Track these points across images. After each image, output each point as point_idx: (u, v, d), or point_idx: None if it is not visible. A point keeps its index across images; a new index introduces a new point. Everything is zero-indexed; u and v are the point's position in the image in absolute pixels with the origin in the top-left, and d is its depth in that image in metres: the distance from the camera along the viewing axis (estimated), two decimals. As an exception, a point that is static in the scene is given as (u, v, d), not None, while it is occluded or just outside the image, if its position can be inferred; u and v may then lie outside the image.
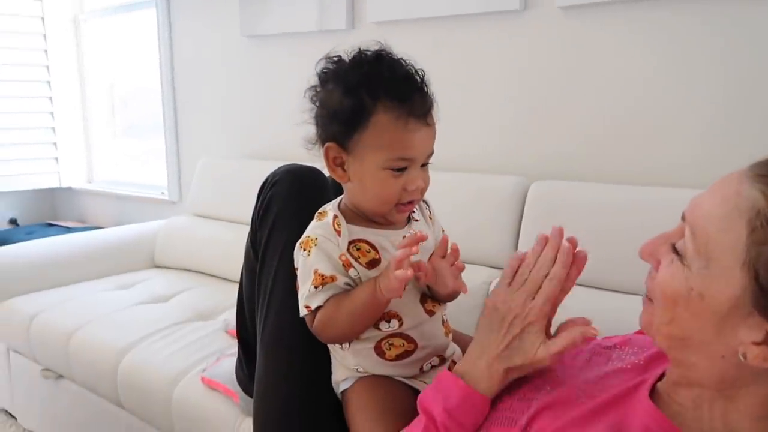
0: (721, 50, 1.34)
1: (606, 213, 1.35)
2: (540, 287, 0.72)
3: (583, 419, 0.64)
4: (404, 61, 0.81)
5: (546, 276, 0.72)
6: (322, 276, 0.81)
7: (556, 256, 0.74)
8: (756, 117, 1.32)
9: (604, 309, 1.28)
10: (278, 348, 0.94)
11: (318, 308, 0.81)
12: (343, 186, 0.87)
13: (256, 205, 1.03)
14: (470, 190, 1.57)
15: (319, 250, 0.82)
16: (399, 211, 0.84)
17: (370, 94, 0.77)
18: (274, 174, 1.02)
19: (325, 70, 0.83)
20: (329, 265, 0.81)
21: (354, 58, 0.81)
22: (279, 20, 2.12)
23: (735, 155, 1.33)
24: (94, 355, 1.57)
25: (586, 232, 1.34)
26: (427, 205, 0.95)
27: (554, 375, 0.74)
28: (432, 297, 0.88)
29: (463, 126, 1.74)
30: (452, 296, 0.88)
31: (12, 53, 2.85)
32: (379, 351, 0.86)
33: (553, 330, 0.75)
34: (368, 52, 0.81)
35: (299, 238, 0.86)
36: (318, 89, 0.83)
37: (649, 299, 0.64)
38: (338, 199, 0.89)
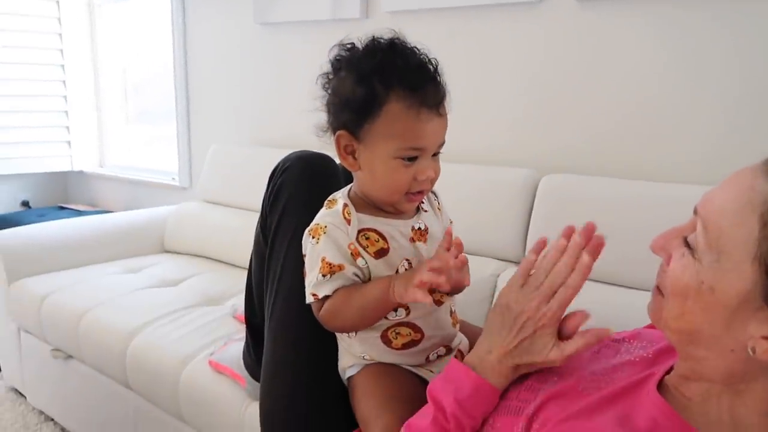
0: (734, 46, 1.33)
1: (616, 208, 1.34)
2: (555, 292, 0.72)
3: (589, 410, 0.65)
4: (418, 49, 0.81)
5: (562, 283, 0.73)
6: (330, 264, 0.81)
7: (574, 265, 0.73)
8: (772, 114, 1.31)
9: (614, 304, 1.28)
10: (286, 333, 0.95)
11: (326, 297, 0.82)
12: (354, 174, 0.86)
13: (267, 190, 1.03)
14: (480, 182, 1.57)
15: (328, 238, 0.81)
16: (409, 200, 0.83)
17: (382, 82, 0.77)
18: (285, 160, 1.02)
19: (338, 57, 0.82)
20: (338, 254, 0.81)
21: (367, 46, 0.81)
22: (292, 8, 2.12)
23: (748, 152, 1.32)
24: (103, 337, 1.59)
25: (597, 227, 1.35)
26: (436, 196, 0.95)
27: (562, 366, 0.74)
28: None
29: (475, 117, 1.73)
30: (456, 289, 0.88)
31: (27, 36, 2.86)
32: (385, 339, 0.86)
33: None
34: (382, 40, 0.80)
35: (309, 225, 0.86)
36: (330, 76, 0.83)
37: (658, 291, 0.64)
38: (348, 187, 0.89)
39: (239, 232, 2.02)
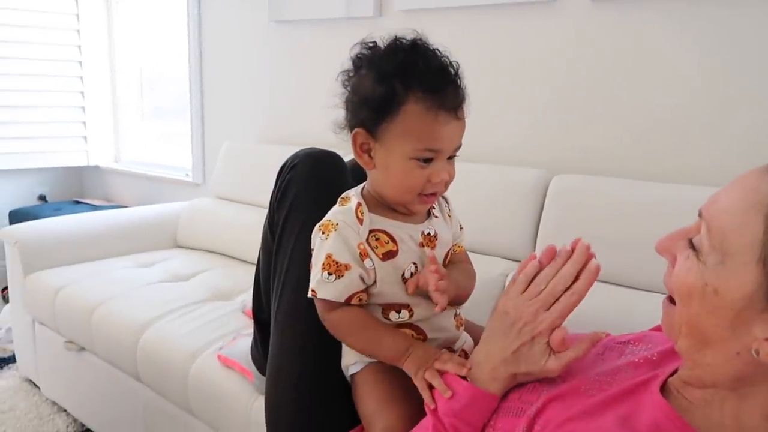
0: (757, 43, 1.31)
1: (627, 209, 1.33)
2: (556, 300, 0.72)
3: (591, 411, 0.64)
4: (440, 51, 0.80)
5: (564, 291, 0.72)
6: (337, 263, 0.80)
7: (578, 273, 0.73)
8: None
9: (624, 306, 1.27)
10: (292, 328, 0.96)
11: (326, 301, 0.81)
12: (368, 172, 0.86)
13: (275, 187, 1.04)
14: (491, 182, 1.57)
15: (338, 236, 0.81)
16: (421, 201, 0.83)
17: (403, 83, 0.77)
18: (293, 157, 1.03)
19: (359, 56, 0.82)
20: (346, 253, 0.81)
21: (389, 45, 0.80)
22: (307, 6, 2.13)
23: (762, 153, 1.31)
24: (115, 330, 1.61)
25: (606, 227, 1.34)
26: (447, 202, 0.95)
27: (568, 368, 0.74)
28: None
29: (486, 117, 1.72)
30: (457, 301, 0.88)
31: (45, 33, 2.91)
32: None
33: None
34: (404, 41, 0.80)
35: (316, 221, 0.86)
36: (351, 74, 0.83)
37: (670, 301, 0.64)
38: (361, 185, 0.89)
39: (251, 229, 2.03)
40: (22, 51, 2.84)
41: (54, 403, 1.99)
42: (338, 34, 2.07)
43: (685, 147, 1.43)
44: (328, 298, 0.81)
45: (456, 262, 0.93)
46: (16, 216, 2.75)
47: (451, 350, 0.91)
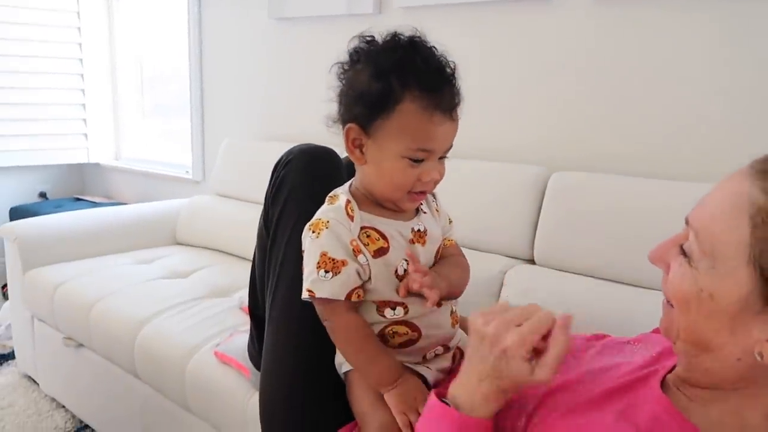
0: (752, 40, 1.31)
1: (626, 206, 1.33)
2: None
3: (589, 405, 0.64)
4: (437, 50, 0.80)
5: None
6: (333, 260, 0.79)
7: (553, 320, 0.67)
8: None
9: (623, 304, 1.27)
10: (286, 325, 0.95)
11: (325, 299, 0.80)
12: (358, 168, 0.86)
13: (270, 183, 1.03)
14: (490, 179, 1.56)
15: (331, 233, 0.80)
16: (411, 199, 0.83)
17: (400, 80, 0.76)
18: (288, 153, 1.02)
19: (357, 49, 0.81)
20: (341, 249, 0.80)
21: (388, 41, 0.80)
22: (306, 3, 2.12)
23: (759, 149, 1.30)
24: (113, 326, 1.61)
25: (605, 224, 1.34)
26: (434, 197, 0.95)
27: (566, 364, 0.74)
28: None
29: (486, 114, 1.72)
30: (450, 295, 0.88)
31: (46, 30, 2.90)
32: (382, 338, 0.85)
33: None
34: (403, 37, 0.79)
35: (311, 217, 0.85)
36: (347, 67, 0.82)
37: (669, 304, 0.64)
38: (349, 183, 0.88)
39: (250, 226, 2.01)
40: (22, 49, 2.84)
41: (53, 400, 1.99)
42: (338, 31, 2.07)
43: (685, 144, 1.42)
44: (326, 296, 0.80)
45: (447, 255, 0.93)
46: (17, 213, 2.76)
47: (447, 348, 0.90)
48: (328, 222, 0.81)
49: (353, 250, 0.80)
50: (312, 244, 0.81)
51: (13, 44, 2.82)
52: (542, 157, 1.61)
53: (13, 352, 2.20)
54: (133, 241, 2.18)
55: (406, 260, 0.83)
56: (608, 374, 0.70)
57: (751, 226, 0.53)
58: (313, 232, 0.82)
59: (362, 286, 0.82)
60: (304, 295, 0.82)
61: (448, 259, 0.92)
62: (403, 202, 0.83)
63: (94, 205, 2.83)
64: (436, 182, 0.82)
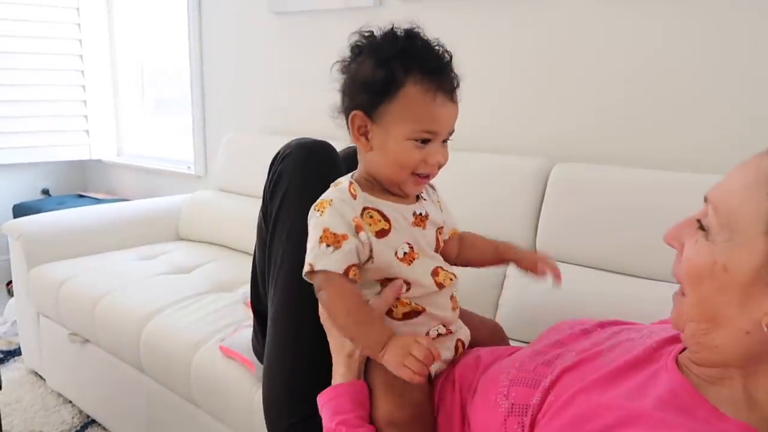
0: (755, 31, 1.30)
1: (629, 197, 1.33)
2: None
3: (603, 382, 0.66)
4: (435, 40, 0.84)
5: None
6: (334, 234, 0.80)
7: None
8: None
9: (626, 294, 1.27)
10: (287, 318, 0.96)
11: (325, 272, 0.80)
12: (361, 156, 0.87)
13: (267, 178, 1.04)
14: (491, 171, 1.56)
15: (334, 210, 0.82)
16: (415, 182, 0.85)
17: (402, 65, 0.80)
18: (285, 147, 1.03)
19: (358, 43, 0.85)
20: (342, 225, 0.81)
21: (387, 33, 0.84)
22: (306, -4, 2.12)
23: (763, 141, 1.30)
24: (118, 321, 1.62)
25: (607, 215, 1.34)
26: (434, 189, 0.96)
27: (581, 344, 0.77)
28: (445, 270, 0.89)
29: (487, 105, 1.72)
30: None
31: (46, 27, 2.90)
32: (387, 312, 0.86)
33: None
34: (400, 29, 0.83)
35: (307, 209, 0.86)
36: (349, 61, 0.85)
37: (680, 293, 0.65)
38: (352, 173, 0.90)
39: (253, 220, 2.01)
40: (23, 45, 2.84)
41: (59, 395, 2.00)
42: (338, 25, 2.06)
43: (687, 135, 1.42)
44: (327, 269, 0.80)
45: (469, 239, 1.00)
46: (20, 210, 2.77)
47: (449, 330, 0.90)
48: (331, 200, 0.83)
49: (355, 226, 0.82)
50: (316, 223, 0.83)
51: (13, 41, 2.82)
52: (544, 148, 1.61)
53: (19, 348, 2.21)
54: (137, 237, 2.18)
55: (408, 243, 0.85)
56: (623, 352, 0.71)
57: None
58: (317, 211, 0.83)
59: (360, 266, 0.83)
60: (306, 269, 0.82)
61: (470, 238, 1.00)
62: (407, 185, 0.85)
63: (97, 201, 2.84)
64: (440, 166, 0.84)
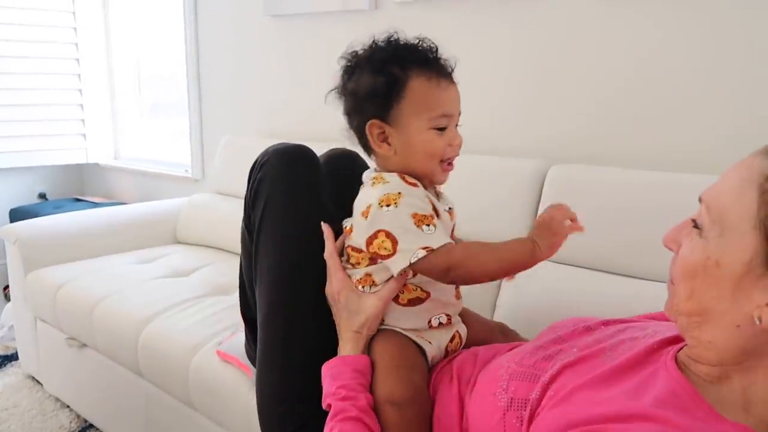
0: (753, 32, 1.31)
1: (626, 198, 1.33)
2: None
3: (602, 379, 0.66)
4: (416, 37, 0.88)
5: None
6: (425, 216, 0.82)
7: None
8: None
9: (623, 295, 1.27)
10: (275, 325, 0.95)
11: (443, 247, 0.81)
12: (385, 163, 0.89)
13: (248, 188, 1.02)
14: (488, 173, 1.56)
15: (410, 198, 0.83)
16: (443, 170, 0.89)
17: (399, 65, 0.84)
18: (262, 155, 1.02)
19: (347, 65, 0.89)
20: (426, 207, 0.84)
21: (371, 45, 0.88)
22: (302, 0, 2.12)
23: (761, 141, 1.30)
24: (116, 325, 1.62)
25: (604, 217, 1.34)
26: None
27: (583, 341, 0.77)
28: None
29: (484, 107, 1.72)
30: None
31: (42, 31, 2.90)
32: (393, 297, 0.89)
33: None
34: (380, 39, 0.87)
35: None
36: (344, 82, 0.89)
37: (672, 283, 0.66)
38: (372, 170, 0.92)
39: (250, 224, 2.04)
40: (19, 49, 2.84)
41: (57, 399, 2.00)
42: (334, 28, 2.07)
43: (683, 135, 1.42)
44: (442, 242, 0.81)
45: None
46: (17, 214, 2.76)
47: (450, 319, 0.93)
48: (399, 192, 0.84)
49: (432, 207, 0.85)
50: (394, 214, 0.83)
51: (9, 45, 2.81)
52: (541, 150, 1.61)
53: (16, 353, 2.21)
54: (134, 241, 2.18)
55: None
56: (625, 350, 0.71)
57: (759, 192, 0.56)
58: (388, 206, 0.83)
59: None
60: (419, 255, 0.80)
61: None
62: (437, 173, 0.88)
63: (94, 205, 2.83)
64: (460, 146, 0.89)
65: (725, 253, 0.58)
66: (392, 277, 0.86)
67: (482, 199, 1.53)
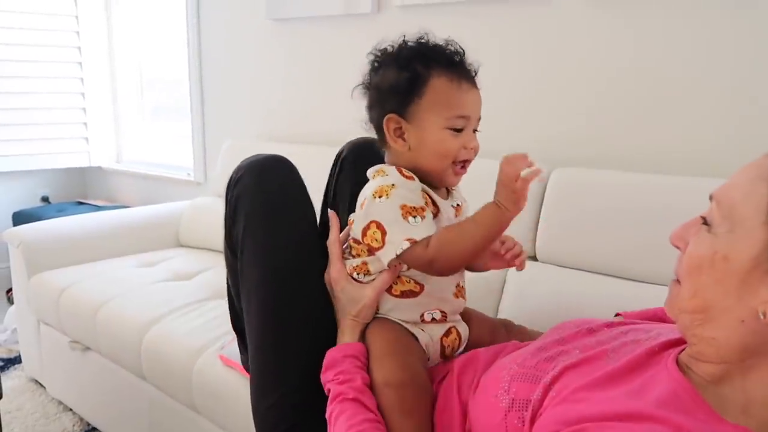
0: (750, 34, 1.31)
1: (628, 202, 1.33)
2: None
3: (603, 380, 0.66)
4: (445, 39, 0.90)
5: None
6: (413, 207, 0.84)
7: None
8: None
9: (625, 298, 1.27)
10: (264, 342, 0.94)
11: (424, 240, 0.82)
12: (398, 158, 0.90)
13: (226, 206, 1.01)
14: (490, 176, 1.55)
15: (401, 190, 0.85)
16: (455, 172, 0.89)
17: (423, 63, 0.86)
18: (236, 170, 1.01)
19: (374, 60, 0.91)
20: (417, 199, 0.85)
21: (400, 42, 0.89)
22: (304, 3, 2.13)
23: (762, 144, 1.30)
24: (119, 329, 1.62)
25: (606, 219, 1.35)
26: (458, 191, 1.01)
27: (585, 342, 0.77)
28: None
29: (485, 109, 1.71)
30: (476, 267, 0.99)
31: (45, 34, 2.91)
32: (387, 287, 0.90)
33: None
34: (410, 38, 0.89)
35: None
36: (370, 77, 0.91)
37: (676, 281, 0.66)
38: (380, 165, 0.92)
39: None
40: (22, 53, 2.85)
41: (60, 403, 2.00)
42: (336, 31, 2.07)
43: (686, 139, 1.42)
44: (426, 235, 0.83)
45: None
46: (20, 217, 2.77)
47: (445, 316, 0.93)
48: (393, 184, 0.85)
49: (425, 201, 0.86)
50: (386, 206, 0.84)
51: (12, 49, 2.82)
52: (542, 153, 1.61)
53: (19, 356, 2.21)
54: (137, 244, 2.19)
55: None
56: (627, 352, 0.71)
57: None
58: (380, 196, 0.85)
59: None
60: (403, 246, 0.82)
61: None
62: (448, 175, 0.89)
63: (97, 208, 2.84)
64: (476, 151, 0.90)
65: (734, 247, 0.58)
66: (386, 268, 0.87)
67: (483, 202, 1.53)
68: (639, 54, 1.46)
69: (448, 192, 0.94)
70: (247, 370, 1.17)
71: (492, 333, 1.01)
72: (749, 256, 0.57)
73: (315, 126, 2.17)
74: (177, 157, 2.88)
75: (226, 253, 1.04)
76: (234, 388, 1.30)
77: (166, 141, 3.06)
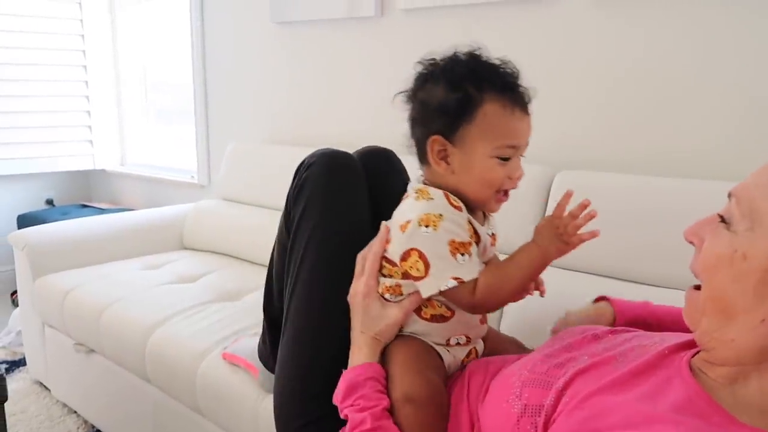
0: (754, 36, 1.31)
1: (632, 205, 1.33)
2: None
3: (616, 384, 0.66)
4: (499, 58, 0.86)
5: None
6: (462, 244, 0.81)
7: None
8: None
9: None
10: (308, 315, 0.96)
11: (471, 282, 0.81)
12: (441, 179, 0.87)
13: (292, 184, 1.05)
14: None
15: (449, 222, 0.82)
16: (497, 200, 0.86)
17: (475, 86, 0.81)
18: (310, 156, 1.04)
19: (422, 72, 0.87)
20: (464, 234, 0.82)
21: (452, 57, 0.86)
22: (308, 7, 2.14)
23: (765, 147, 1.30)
24: (123, 331, 1.62)
25: (612, 222, 1.34)
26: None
27: (592, 349, 0.77)
28: None
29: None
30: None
31: (50, 38, 2.93)
32: (416, 309, 0.88)
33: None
34: (462, 52, 0.85)
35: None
36: (416, 89, 0.87)
37: (693, 288, 0.65)
38: (417, 184, 0.91)
39: (256, 230, 2.05)
40: (27, 57, 2.87)
41: (64, 405, 2.01)
42: (340, 34, 2.08)
43: (690, 142, 1.42)
44: (473, 275, 0.81)
45: None
46: (24, 220, 2.78)
47: (469, 340, 0.93)
48: (441, 214, 0.83)
49: (470, 235, 0.84)
50: (432, 239, 0.82)
51: (17, 52, 2.84)
52: (546, 156, 1.61)
53: (24, 358, 2.22)
54: (141, 247, 2.19)
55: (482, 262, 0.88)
56: (635, 356, 0.71)
57: None
58: (427, 227, 0.82)
59: None
60: (450, 284, 0.81)
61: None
62: (491, 203, 0.87)
63: (101, 211, 2.85)
64: (521, 179, 0.87)
65: (754, 245, 0.57)
66: (418, 291, 0.86)
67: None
68: (644, 57, 1.46)
69: (484, 216, 0.92)
70: (264, 361, 1.19)
71: (503, 347, 1.02)
72: None
73: (319, 129, 2.18)
74: (181, 160, 2.89)
75: (280, 227, 1.07)
76: (238, 390, 1.30)
77: (171, 144, 3.07)
